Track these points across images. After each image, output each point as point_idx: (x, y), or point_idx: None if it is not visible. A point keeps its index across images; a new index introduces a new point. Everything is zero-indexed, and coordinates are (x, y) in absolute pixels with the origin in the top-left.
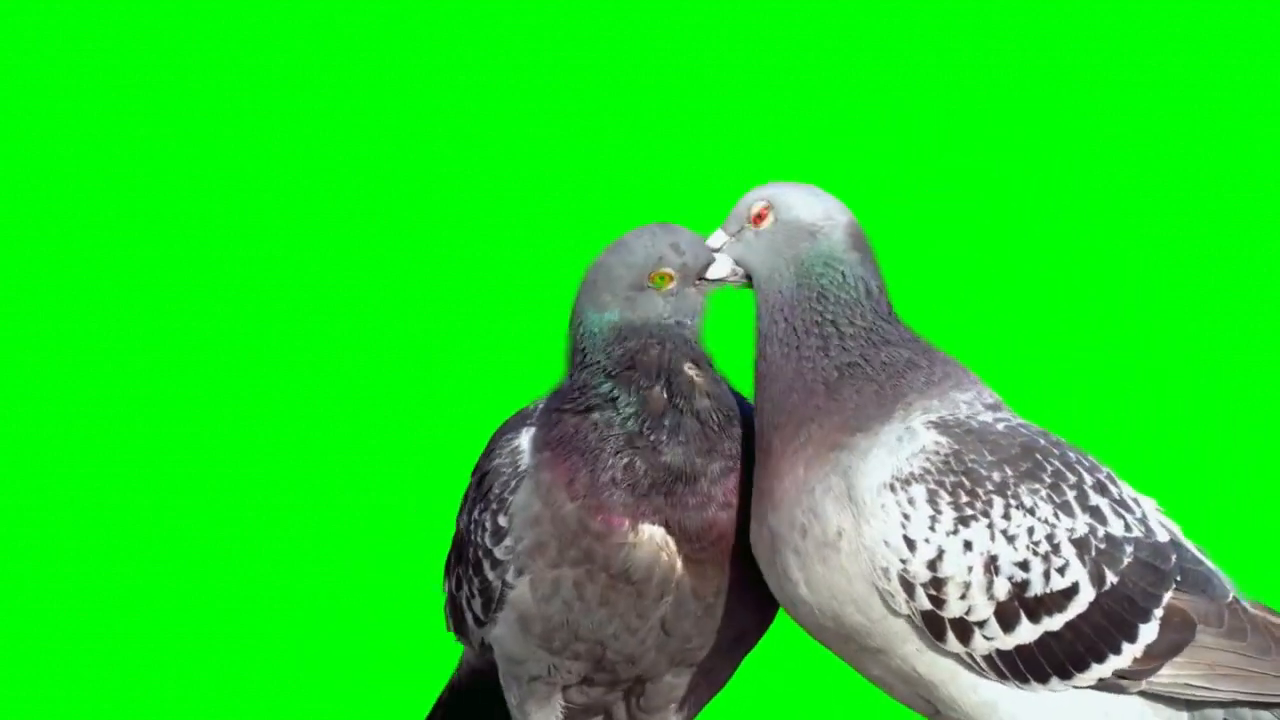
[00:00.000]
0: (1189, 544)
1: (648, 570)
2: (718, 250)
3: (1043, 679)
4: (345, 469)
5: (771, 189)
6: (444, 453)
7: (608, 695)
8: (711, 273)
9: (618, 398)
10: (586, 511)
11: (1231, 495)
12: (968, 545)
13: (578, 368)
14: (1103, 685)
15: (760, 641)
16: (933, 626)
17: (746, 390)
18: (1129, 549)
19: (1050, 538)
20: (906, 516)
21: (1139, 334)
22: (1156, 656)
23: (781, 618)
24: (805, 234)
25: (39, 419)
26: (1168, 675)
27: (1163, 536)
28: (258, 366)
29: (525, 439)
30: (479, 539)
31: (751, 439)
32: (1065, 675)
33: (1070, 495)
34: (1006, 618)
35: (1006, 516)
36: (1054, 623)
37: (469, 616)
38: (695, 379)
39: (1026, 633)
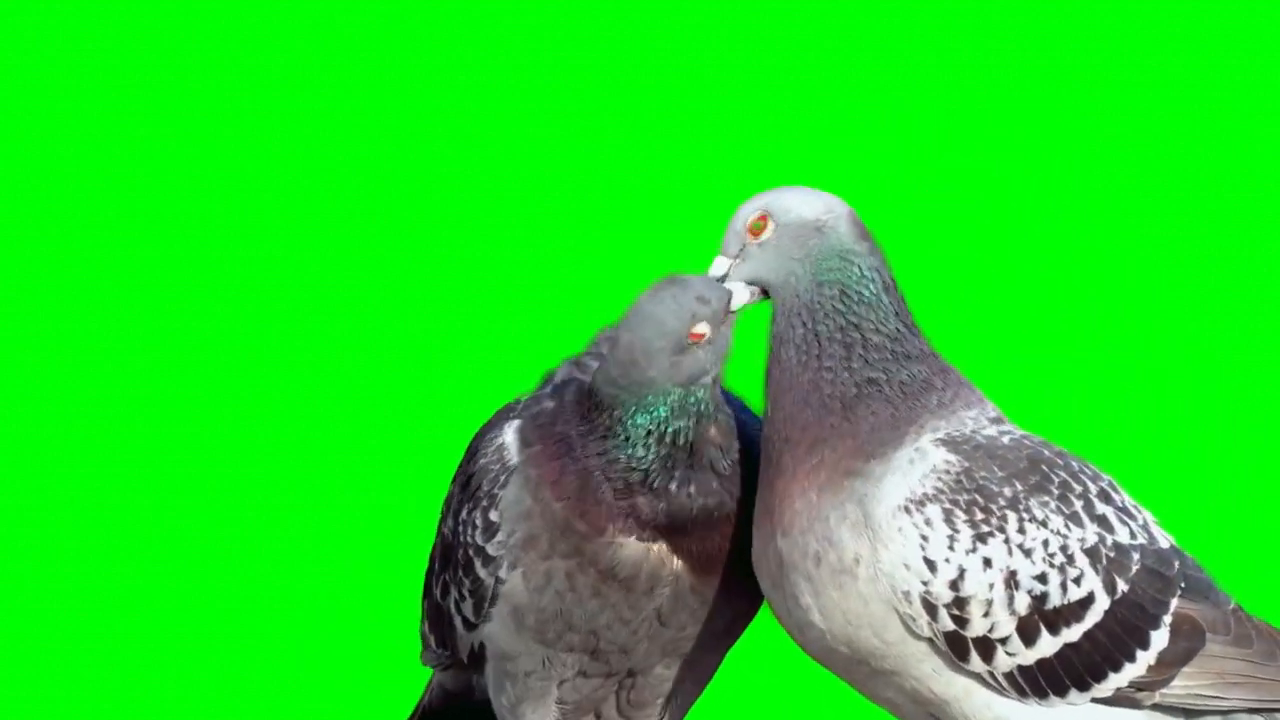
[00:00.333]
0: (1187, 554)
1: (634, 568)
2: (724, 276)
3: (1061, 692)
4: (311, 473)
5: (764, 198)
6: (415, 461)
7: (600, 690)
8: (734, 304)
9: (639, 461)
10: (571, 512)
11: (1222, 505)
12: (987, 562)
13: (603, 432)
14: (1118, 698)
15: (752, 644)
16: (955, 647)
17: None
18: (1136, 556)
19: (1064, 549)
20: (925, 538)
21: (1134, 336)
22: (1170, 664)
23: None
24: (811, 231)
25: (27, 410)
26: (1180, 686)
27: (1164, 544)
28: (235, 366)
29: (510, 434)
30: (469, 538)
31: (748, 449)
32: (1083, 687)
33: (1078, 505)
34: (1028, 632)
35: (1021, 530)
36: (1072, 634)
37: (459, 621)
38: (714, 439)
39: (1047, 646)
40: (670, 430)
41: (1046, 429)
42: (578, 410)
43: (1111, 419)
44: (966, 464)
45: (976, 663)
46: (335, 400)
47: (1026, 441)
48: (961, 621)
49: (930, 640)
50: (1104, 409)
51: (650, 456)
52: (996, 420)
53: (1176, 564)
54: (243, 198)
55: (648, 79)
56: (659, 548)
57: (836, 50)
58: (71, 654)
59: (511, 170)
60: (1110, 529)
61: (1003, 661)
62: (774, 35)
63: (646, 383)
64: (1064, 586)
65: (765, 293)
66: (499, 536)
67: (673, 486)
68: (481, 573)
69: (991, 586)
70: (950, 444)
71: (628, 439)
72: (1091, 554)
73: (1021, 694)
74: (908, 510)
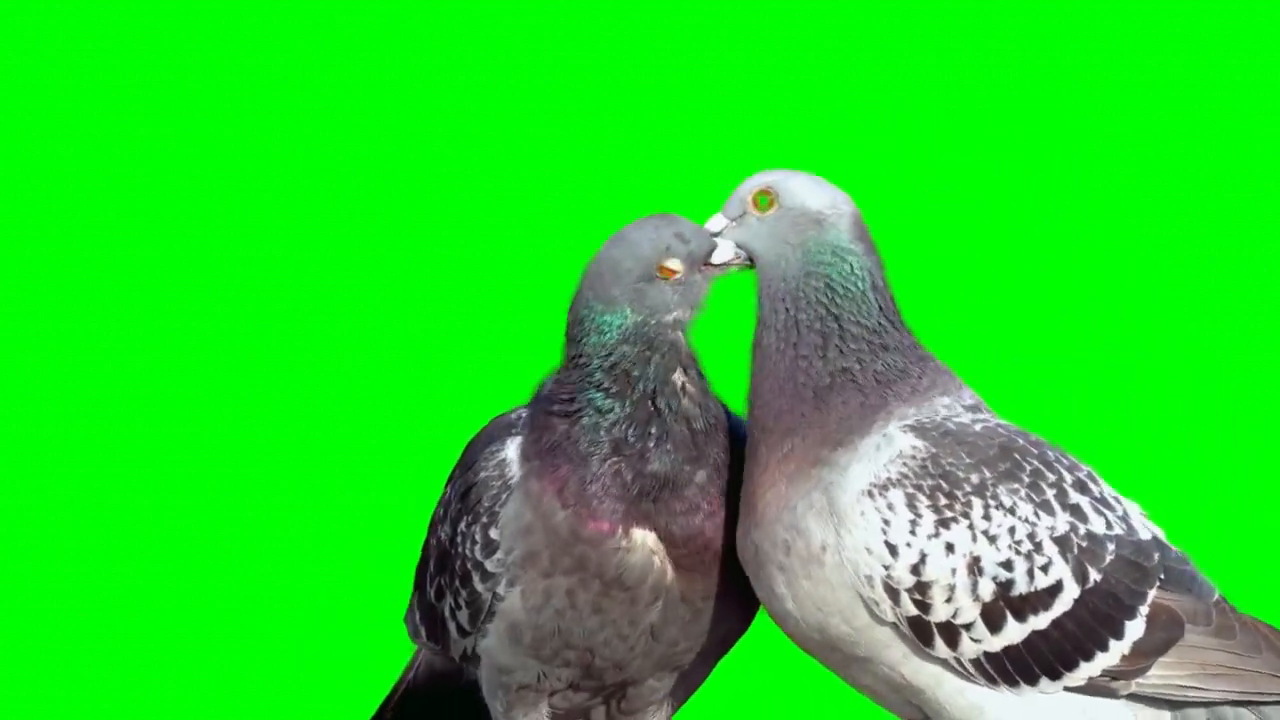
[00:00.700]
0: (1172, 547)
1: (641, 575)
2: (719, 235)
3: (1032, 680)
4: (298, 469)
5: (775, 175)
6: (404, 458)
7: (590, 700)
8: (716, 258)
9: (607, 408)
10: (578, 519)
11: (1216, 499)
12: (949, 548)
13: (571, 366)
14: (1093, 686)
15: (744, 643)
16: (919, 632)
17: (740, 389)
18: (1111, 546)
19: (1032, 536)
20: (886, 522)
21: (1130, 334)
22: (1146, 654)
23: (764, 619)
24: (811, 221)
25: (27, 410)
26: (1158, 676)
27: (1145, 535)
28: (235, 366)
29: (512, 449)
30: (468, 552)
31: (737, 448)
32: (1054, 675)
33: (1050, 494)
34: (993, 618)
35: (987, 517)
36: (1040, 621)
37: (453, 627)
38: (683, 385)
39: (1014, 633)
40: (622, 356)
41: (1043, 425)
42: (555, 381)
43: (1108, 414)
44: (934, 450)
45: (942, 648)
46: (332, 397)
47: (1001, 429)
48: (924, 606)
49: (894, 625)
50: (1101, 404)
51: (614, 402)
52: (973, 408)
53: (1156, 555)
54: (240, 198)
55: (647, 79)
56: (660, 553)
57: (836, 50)
58: (57, 639)
59: (512, 170)
60: (1084, 518)
61: (969, 648)
62: (774, 35)
63: (608, 300)
64: (1031, 574)
65: (751, 264)
66: (498, 554)
67: (650, 445)
68: (479, 587)
69: (954, 572)
70: (918, 430)
71: (590, 375)
72: (1061, 542)
73: (991, 681)
74: (871, 495)
